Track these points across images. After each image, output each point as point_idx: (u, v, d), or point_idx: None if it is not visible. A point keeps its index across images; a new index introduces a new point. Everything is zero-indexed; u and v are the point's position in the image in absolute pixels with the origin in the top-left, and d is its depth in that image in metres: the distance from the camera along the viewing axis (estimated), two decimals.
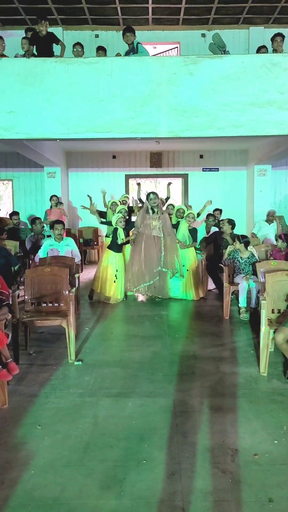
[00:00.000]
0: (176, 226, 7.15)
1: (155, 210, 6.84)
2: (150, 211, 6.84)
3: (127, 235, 6.88)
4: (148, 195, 6.89)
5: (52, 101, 6.29)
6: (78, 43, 7.17)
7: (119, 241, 6.72)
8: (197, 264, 7.14)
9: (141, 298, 7.08)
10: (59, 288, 4.75)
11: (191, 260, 7.05)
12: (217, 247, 6.93)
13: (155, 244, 6.76)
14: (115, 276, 6.76)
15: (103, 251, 7.38)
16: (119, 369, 4.18)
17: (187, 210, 7.29)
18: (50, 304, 4.77)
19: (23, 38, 6.69)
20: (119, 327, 5.67)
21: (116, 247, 6.81)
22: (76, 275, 5.85)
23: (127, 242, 6.89)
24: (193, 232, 7.10)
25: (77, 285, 5.95)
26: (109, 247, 6.91)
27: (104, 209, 7.70)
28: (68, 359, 4.37)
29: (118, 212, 6.90)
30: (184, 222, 7.07)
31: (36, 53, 6.66)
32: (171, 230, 6.98)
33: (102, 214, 7.26)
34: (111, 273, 6.76)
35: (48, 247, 6.14)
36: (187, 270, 6.98)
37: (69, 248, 6.19)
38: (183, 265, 6.94)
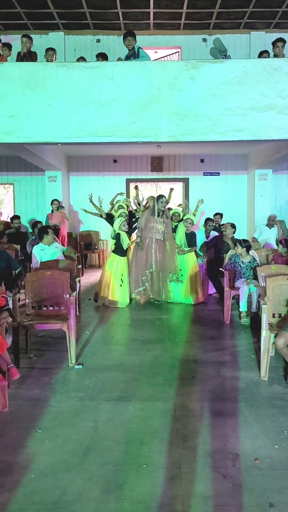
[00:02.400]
0: (174, 230, 7.17)
1: (161, 214, 6.88)
2: (156, 214, 6.87)
3: (129, 238, 6.93)
4: (160, 197, 6.92)
5: (53, 105, 6.31)
6: (50, 48, 7.37)
7: (125, 246, 6.78)
8: (197, 269, 7.13)
9: (142, 301, 7.07)
10: (60, 291, 4.75)
11: (190, 264, 7.04)
12: (217, 252, 6.93)
13: (158, 247, 6.83)
14: (121, 280, 6.79)
15: (108, 255, 7.39)
16: (120, 373, 4.17)
17: (183, 213, 7.31)
18: (51, 308, 4.77)
19: (23, 36, 6.74)
20: (120, 331, 5.67)
21: (120, 251, 6.86)
22: (77, 279, 5.85)
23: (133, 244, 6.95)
24: (191, 236, 7.11)
25: (77, 289, 5.94)
26: (114, 251, 6.96)
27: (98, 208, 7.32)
28: (69, 362, 4.37)
29: (118, 216, 6.90)
30: (182, 226, 7.08)
31: None
32: (171, 235, 7.02)
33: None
34: (116, 277, 6.78)
35: (40, 251, 6.04)
36: (181, 275, 6.99)
37: (58, 249, 6.13)
38: (180, 269, 6.97)
